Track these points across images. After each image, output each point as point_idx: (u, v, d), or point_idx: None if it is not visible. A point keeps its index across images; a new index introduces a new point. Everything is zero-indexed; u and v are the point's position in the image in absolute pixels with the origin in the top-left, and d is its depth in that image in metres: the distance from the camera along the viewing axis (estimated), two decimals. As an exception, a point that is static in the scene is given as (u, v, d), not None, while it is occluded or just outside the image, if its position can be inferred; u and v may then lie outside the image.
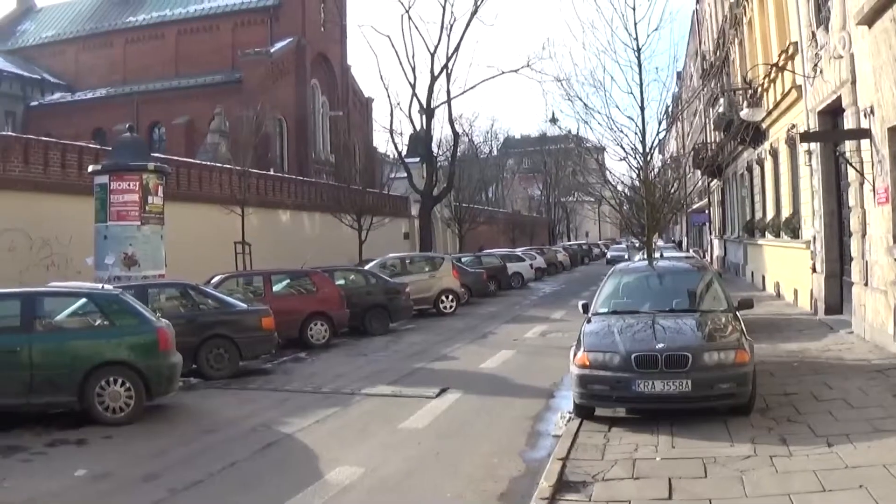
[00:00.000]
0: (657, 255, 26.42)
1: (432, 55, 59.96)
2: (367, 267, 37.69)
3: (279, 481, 12.20)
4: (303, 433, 15.01)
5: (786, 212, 31.62)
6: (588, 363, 13.92)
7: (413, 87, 60.63)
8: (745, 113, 30.35)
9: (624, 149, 26.70)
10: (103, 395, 16.00)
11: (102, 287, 19.13)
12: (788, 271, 31.77)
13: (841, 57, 20.82)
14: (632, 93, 26.36)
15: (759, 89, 32.31)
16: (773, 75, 31.27)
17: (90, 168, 29.09)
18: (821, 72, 23.55)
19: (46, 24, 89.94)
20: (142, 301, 19.44)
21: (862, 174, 19.69)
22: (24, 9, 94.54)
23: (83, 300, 17.92)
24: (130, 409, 16.12)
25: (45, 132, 51.91)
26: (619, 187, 31.16)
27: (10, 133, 44.91)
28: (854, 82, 20.10)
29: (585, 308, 16.64)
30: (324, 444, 14.19)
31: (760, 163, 37.65)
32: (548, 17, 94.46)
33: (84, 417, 15.81)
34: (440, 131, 75.61)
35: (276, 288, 29.30)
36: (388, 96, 74.61)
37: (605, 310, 16.20)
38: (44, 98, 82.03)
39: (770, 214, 35.25)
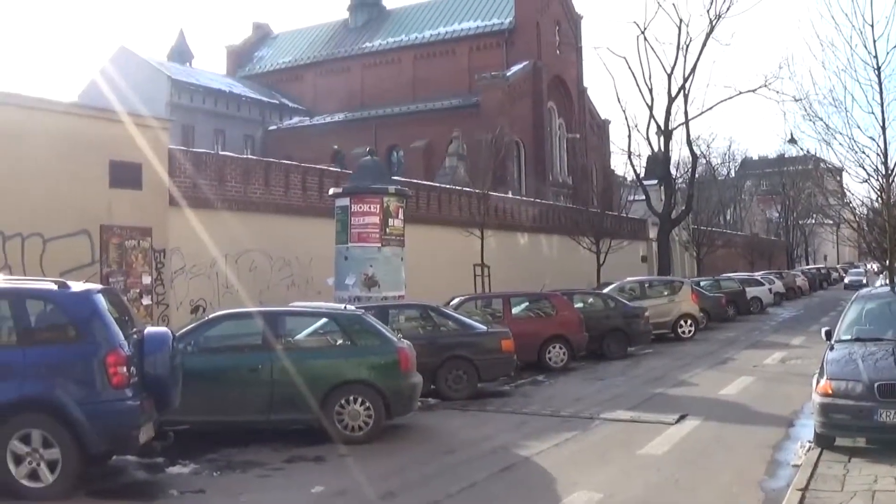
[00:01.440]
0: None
1: (669, 76, 59.28)
2: (605, 290, 37.51)
3: (517, 504, 12.18)
4: (541, 456, 14.92)
5: None
6: (831, 391, 13.55)
7: (650, 108, 60.07)
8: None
9: (865, 170, 26.00)
10: (343, 413, 16.19)
11: (345, 307, 19.43)
12: None
13: None
14: (872, 112, 25.69)
15: None
16: None
17: (331, 191, 29.63)
18: None
19: (283, 51, 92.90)
20: (382, 322, 19.66)
21: None
22: (261, 35, 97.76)
23: (325, 320, 18.24)
24: (370, 427, 16.25)
25: (284, 155, 53.34)
26: (860, 210, 30.35)
27: (251, 157, 46.18)
28: None
29: (828, 335, 16.09)
30: (562, 468, 14.07)
31: None
32: (785, 34, 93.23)
33: (323, 435, 16.00)
34: (678, 153, 74.70)
35: (514, 310, 29.31)
36: (626, 118, 74.11)
37: (848, 337, 15.62)
38: (282, 122, 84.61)
39: None
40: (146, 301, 26.21)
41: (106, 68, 72.58)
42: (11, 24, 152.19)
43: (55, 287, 12.81)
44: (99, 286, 14.57)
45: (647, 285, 41.34)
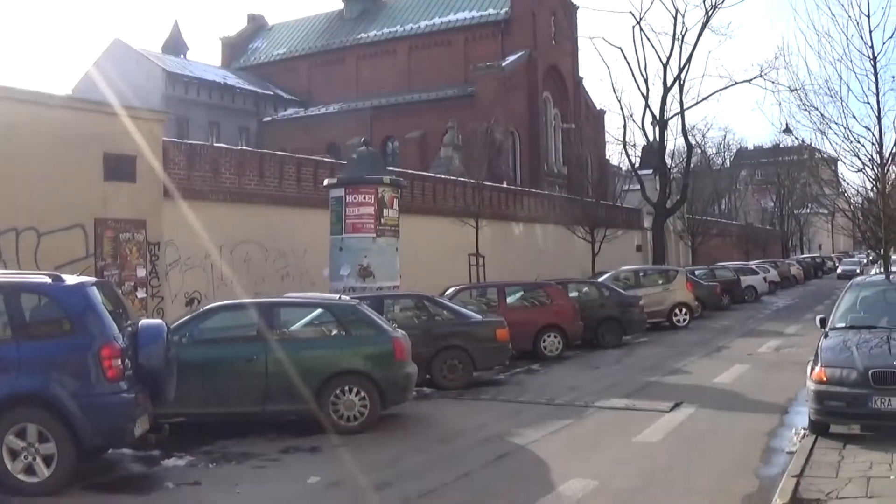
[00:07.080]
0: (894, 268, 25.70)
1: (665, 66, 59.08)
2: (600, 279, 37.52)
3: (512, 492, 12.19)
4: (535, 445, 14.95)
5: None
6: (825, 379, 13.60)
7: (646, 98, 59.80)
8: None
9: (860, 159, 26.01)
10: (338, 403, 16.20)
11: (339, 297, 19.47)
12: None
13: None
14: (868, 102, 25.66)
15: None
16: None
17: (326, 181, 29.60)
18: None
19: (278, 42, 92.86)
20: (377, 312, 19.68)
21: None
22: (256, 27, 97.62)
23: (320, 310, 18.26)
24: (364, 417, 16.28)
25: (279, 147, 53.30)
26: (855, 199, 30.37)
27: (245, 148, 46.15)
28: None
29: (823, 322, 16.16)
30: (556, 456, 14.09)
31: None
32: (781, 24, 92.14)
33: (318, 425, 16.00)
34: (673, 143, 74.60)
35: (509, 300, 29.36)
36: (621, 108, 74.24)
37: (843, 324, 15.74)
38: (276, 114, 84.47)
39: None
40: (141, 294, 26.19)
41: (100, 61, 72.70)
42: (4, 16, 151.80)
43: (49, 280, 12.81)
44: (93, 279, 14.59)
45: (641, 274, 41.31)
